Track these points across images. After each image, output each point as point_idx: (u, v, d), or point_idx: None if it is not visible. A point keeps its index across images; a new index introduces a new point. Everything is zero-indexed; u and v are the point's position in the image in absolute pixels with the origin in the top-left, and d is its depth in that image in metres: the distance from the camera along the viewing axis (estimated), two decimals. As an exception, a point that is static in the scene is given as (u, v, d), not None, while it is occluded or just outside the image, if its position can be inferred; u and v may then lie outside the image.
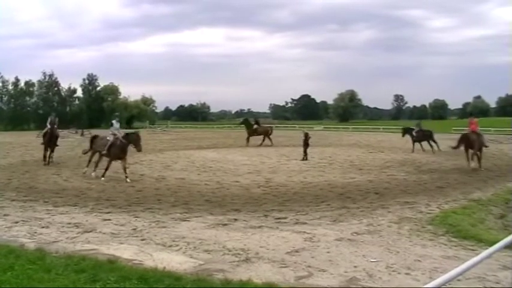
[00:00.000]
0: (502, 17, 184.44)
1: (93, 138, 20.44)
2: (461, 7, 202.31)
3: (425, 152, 29.98)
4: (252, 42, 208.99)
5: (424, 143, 31.61)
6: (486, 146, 22.82)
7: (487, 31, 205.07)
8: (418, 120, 37.38)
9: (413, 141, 32.10)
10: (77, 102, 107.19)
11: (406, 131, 33.91)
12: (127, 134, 19.57)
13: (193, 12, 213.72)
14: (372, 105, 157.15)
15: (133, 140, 18.81)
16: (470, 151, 21.39)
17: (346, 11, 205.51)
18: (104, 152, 18.87)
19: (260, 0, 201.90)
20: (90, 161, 19.74)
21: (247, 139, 36.93)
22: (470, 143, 21.34)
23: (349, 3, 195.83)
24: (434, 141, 31.28)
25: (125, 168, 18.36)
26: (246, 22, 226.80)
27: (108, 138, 19.09)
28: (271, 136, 37.06)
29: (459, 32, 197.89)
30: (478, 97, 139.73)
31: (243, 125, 39.83)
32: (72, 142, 42.71)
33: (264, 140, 36.70)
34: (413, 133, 32.48)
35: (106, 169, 18.46)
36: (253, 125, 37.58)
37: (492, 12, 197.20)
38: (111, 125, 19.62)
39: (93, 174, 18.75)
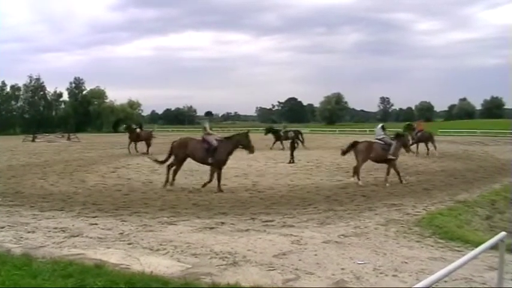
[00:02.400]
0: (487, 20, 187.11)
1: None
2: (447, 10, 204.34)
3: (409, 154, 30.07)
4: (239, 46, 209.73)
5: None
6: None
7: (472, 34, 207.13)
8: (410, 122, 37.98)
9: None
10: (63, 106, 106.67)
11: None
12: (232, 136, 17.63)
13: (180, 16, 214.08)
14: (358, 108, 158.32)
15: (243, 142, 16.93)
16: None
17: (333, 15, 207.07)
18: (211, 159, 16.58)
19: (248, 3, 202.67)
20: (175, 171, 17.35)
21: (129, 146, 33.60)
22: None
23: (337, 6, 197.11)
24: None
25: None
26: (233, 26, 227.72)
27: (210, 140, 16.81)
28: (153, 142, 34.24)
29: (445, 35, 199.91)
30: (464, 99, 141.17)
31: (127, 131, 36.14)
32: (59, 146, 42.51)
33: (148, 147, 32.69)
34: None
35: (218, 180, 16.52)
36: (136, 130, 34.52)
37: (477, 16, 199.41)
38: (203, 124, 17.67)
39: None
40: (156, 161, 17.60)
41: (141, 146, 33.37)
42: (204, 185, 16.50)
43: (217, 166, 16.59)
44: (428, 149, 30.50)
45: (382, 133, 18.82)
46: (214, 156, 16.49)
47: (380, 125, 19.69)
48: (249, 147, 16.94)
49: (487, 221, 12.53)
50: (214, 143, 16.64)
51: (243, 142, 16.91)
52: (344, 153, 19.00)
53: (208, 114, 21.56)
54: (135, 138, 34.05)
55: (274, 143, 37.31)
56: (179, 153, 16.99)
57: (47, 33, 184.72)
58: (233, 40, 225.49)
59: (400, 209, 12.73)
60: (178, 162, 17.01)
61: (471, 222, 11.80)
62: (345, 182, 17.73)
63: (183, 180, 18.96)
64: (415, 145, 29.62)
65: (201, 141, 17.04)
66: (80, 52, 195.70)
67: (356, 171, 17.99)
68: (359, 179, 17.70)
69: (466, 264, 4.73)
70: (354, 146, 18.37)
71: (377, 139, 18.62)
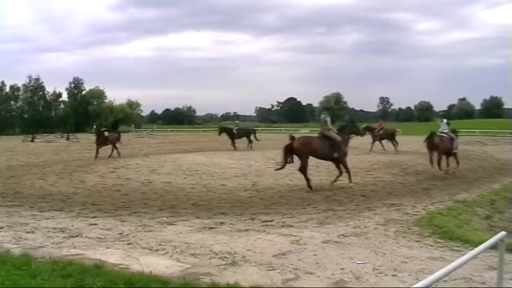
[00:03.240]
0: (486, 19, 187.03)
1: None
2: (446, 10, 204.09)
3: (409, 154, 30.39)
4: (239, 46, 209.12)
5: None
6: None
7: (472, 34, 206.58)
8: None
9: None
10: (62, 106, 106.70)
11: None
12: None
13: (180, 16, 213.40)
14: (357, 108, 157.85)
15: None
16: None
17: (333, 15, 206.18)
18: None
19: (247, 3, 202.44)
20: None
21: (97, 150, 30.04)
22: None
23: (337, 6, 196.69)
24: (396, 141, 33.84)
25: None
26: (233, 26, 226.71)
27: (334, 136, 17.18)
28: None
29: (445, 35, 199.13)
30: (463, 99, 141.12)
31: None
32: (58, 147, 42.52)
33: (112, 150, 30.47)
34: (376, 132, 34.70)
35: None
36: (104, 133, 31.07)
37: (477, 15, 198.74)
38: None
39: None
40: (278, 169, 17.28)
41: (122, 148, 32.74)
42: (335, 181, 17.18)
43: (343, 159, 17.26)
44: (394, 145, 33.19)
45: (447, 128, 20.74)
46: (340, 151, 17.05)
47: (445, 121, 21.77)
48: (360, 133, 19.26)
49: (486, 220, 12.51)
50: (339, 138, 17.14)
51: (355, 130, 18.62)
52: (432, 147, 20.06)
53: (327, 109, 22.37)
54: (102, 142, 30.60)
55: (232, 141, 36.34)
56: (304, 152, 16.78)
57: (47, 33, 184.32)
58: (233, 40, 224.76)
59: (399, 209, 12.72)
60: (305, 161, 16.70)
61: (470, 222, 11.79)
62: (344, 182, 17.71)
63: (182, 180, 18.99)
64: (380, 142, 33.93)
65: (323, 137, 17.30)
66: (79, 52, 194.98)
67: (438, 163, 19.59)
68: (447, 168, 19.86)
69: (465, 264, 4.72)
70: (431, 138, 19.88)
71: (442, 133, 20.33)
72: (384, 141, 34.27)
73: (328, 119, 17.53)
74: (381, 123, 36.51)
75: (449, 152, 20.09)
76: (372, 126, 37.57)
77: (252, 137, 36.57)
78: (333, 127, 17.70)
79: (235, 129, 37.17)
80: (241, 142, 36.70)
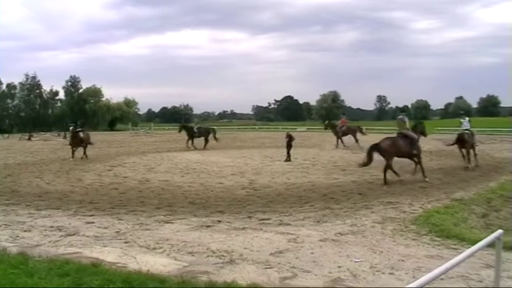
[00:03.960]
0: (483, 18, 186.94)
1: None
2: (443, 9, 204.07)
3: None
4: (236, 44, 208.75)
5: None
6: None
7: (468, 33, 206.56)
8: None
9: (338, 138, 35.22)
10: (59, 104, 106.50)
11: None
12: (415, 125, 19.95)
13: (177, 14, 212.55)
14: (354, 106, 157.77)
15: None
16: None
17: (330, 13, 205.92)
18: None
19: (244, 2, 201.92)
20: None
21: (73, 151, 28.36)
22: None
23: (333, 5, 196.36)
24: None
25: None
26: (230, 24, 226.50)
27: (412, 135, 18.67)
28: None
29: (441, 33, 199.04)
30: (460, 98, 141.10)
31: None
32: (55, 145, 42.44)
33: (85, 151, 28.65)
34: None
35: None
36: (79, 133, 29.47)
37: (474, 14, 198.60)
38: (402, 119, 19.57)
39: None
40: (362, 165, 18.40)
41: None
42: (414, 173, 18.64)
43: (420, 155, 18.71)
44: (357, 141, 33.76)
45: (468, 125, 22.95)
46: (418, 147, 18.61)
47: (467, 118, 23.51)
48: (425, 133, 20.14)
49: (483, 219, 12.51)
50: (415, 136, 18.71)
51: (422, 129, 19.68)
52: (463, 144, 22.12)
53: (403, 111, 25.14)
54: (78, 143, 29.08)
55: (188, 140, 35.65)
56: (391, 153, 17.92)
57: (43, 31, 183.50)
58: (230, 38, 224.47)
59: (396, 207, 12.73)
60: (391, 161, 17.85)
61: (467, 220, 11.80)
62: (341, 180, 17.73)
63: (179, 178, 18.98)
64: (340, 139, 34.84)
65: (403, 136, 18.55)
66: (76, 50, 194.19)
67: (469, 157, 21.96)
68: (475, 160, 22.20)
69: (462, 262, 4.73)
70: (462, 137, 22.00)
71: (466, 130, 22.45)
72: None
73: (407, 119, 19.24)
74: (343, 119, 37.28)
75: (473, 146, 22.34)
76: (334, 123, 39.16)
77: (210, 137, 36.08)
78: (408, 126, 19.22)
79: (196, 127, 36.70)
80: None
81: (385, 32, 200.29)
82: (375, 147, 17.82)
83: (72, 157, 28.16)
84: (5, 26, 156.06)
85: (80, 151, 28.90)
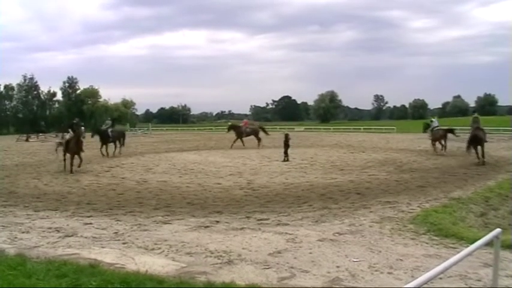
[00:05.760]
0: (480, 17, 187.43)
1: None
2: (440, 8, 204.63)
3: (404, 152, 30.43)
4: (233, 44, 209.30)
5: None
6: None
7: (465, 32, 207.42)
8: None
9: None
10: (56, 105, 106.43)
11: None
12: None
13: (174, 15, 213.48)
14: (352, 106, 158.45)
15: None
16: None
17: (327, 12, 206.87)
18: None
19: (241, 2, 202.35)
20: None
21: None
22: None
23: (330, 4, 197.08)
24: None
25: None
26: (227, 24, 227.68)
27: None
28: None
29: (439, 32, 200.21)
30: (458, 96, 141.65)
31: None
32: (53, 146, 42.34)
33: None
34: None
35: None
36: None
37: (471, 13, 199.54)
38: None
39: None
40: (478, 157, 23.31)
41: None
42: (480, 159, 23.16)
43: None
44: (259, 140, 36.74)
45: (437, 123, 27.98)
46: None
47: (435, 118, 28.77)
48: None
49: (481, 217, 12.51)
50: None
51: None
52: (478, 141, 24.09)
53: (475, 111, 29.82)
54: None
55: (102, 146, 31.29)
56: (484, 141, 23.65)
57: (40, 32, 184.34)
58: (227, 38, 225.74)
59: (394, 207, 12.73)
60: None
61: (465, 219, 11.80)
62: (339, 180, 17.73)
63: (177, 179, 18.97)
64: (241, 140, 36.68)
65: (480, 129, 24.18)
66: (73, 51, 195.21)
67: (482, 154, 23.75)
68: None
69: (461, 261, 4.72)
70: (476, 135, 23.85)
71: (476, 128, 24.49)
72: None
73: (479, 117, 24.70)
74: (245, 121, 41.58)
75: (482, 143, 24.09)
76: (237, 124, 41.75)
77: (123, 141, 33.06)
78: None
79: (109, 130, 32.41)
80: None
81: (383, 31, 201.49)
82: (475, 138, 23.26)
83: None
84: (2, 26, 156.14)
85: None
